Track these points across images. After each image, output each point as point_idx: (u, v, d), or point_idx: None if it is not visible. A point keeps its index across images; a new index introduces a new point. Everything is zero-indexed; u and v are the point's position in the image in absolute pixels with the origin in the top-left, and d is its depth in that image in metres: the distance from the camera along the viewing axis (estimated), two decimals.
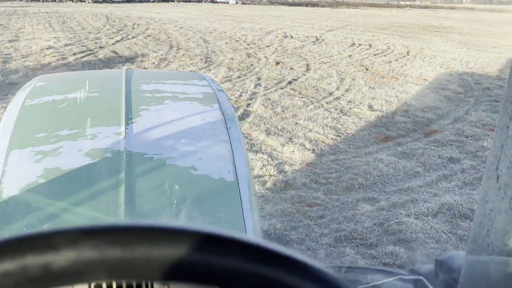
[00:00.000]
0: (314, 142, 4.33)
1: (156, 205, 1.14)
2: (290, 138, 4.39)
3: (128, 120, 1.45)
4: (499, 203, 1.27)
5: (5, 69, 7.16)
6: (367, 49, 10.55)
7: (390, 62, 8.87)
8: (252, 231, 1.09)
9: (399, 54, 9.98)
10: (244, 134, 4.57)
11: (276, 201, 3.19)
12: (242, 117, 5.00)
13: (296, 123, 4.85)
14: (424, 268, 1.58)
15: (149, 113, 1.57)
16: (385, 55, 9.71)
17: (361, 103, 5.72)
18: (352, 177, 3.58)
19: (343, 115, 5.20)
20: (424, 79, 7.28)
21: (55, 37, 10.69)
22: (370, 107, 5.54)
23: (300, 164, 3.81)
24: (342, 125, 4.88)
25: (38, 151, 1.32)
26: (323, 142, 4.35)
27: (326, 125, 4.80)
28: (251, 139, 4.34)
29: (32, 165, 1.26)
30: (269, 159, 3.87)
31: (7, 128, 1.43)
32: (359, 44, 11.33)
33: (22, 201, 1.17)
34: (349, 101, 5.79)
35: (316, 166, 3.78)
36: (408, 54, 9.96)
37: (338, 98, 5.94)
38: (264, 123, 4.81)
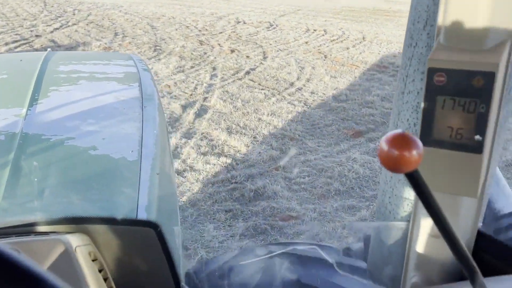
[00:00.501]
0: (281, 140, 3.96)
1: (42, 186, 1.09)
2: (254, 137, 4.00)
3: (33, 102, 1.42)
4: None
5: None
6: (323, 35, 10.28)
7: (347, 48, 8.62)
8: (144, 211, 1.03)
9: (355, 39, 9.77)
10: (203, 133, 4.13)
11: (246, 215, 2.80)
12: (200, 114, 4.55)
13: (259, 119, 4.46)
14: (356, 246, 1.63)
15: (58, 94, 1.53)
16: (342, 41, 9.46)
17: (324, 94, 5.40)
18: (327, 181, 3.25)
19: (308, 108, 4.86)
20: (385, 66, 7.07)
21: None
22: (335, 98, 5.23)
23: (269, 167, 3.43)
24: (308, 119, 4.53)
25: None
26: (291, 140, 3.98)
27: (292, 120, 4.44)
28: (212, 140, 3.91)
29: None
30: (234, 163, 3.46)
31: None
32: (314, 30, 11.05)
33: None
34: (312, 92, 5.45)
35: (286, 170, 3.41)
36: (364, 40, 9.77)
37: (300, 89, 5.59)
38: (225, 120, 4.38)
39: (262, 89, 5.49)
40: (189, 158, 3.52)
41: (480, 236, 0.87)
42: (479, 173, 0.69)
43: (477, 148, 0.67)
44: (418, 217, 0.87)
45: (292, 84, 5.81)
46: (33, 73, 1.62)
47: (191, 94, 5.19)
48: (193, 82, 5.70)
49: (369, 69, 6.81)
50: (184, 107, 4.71)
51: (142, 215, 1.02)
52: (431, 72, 0.68)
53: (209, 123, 4.29)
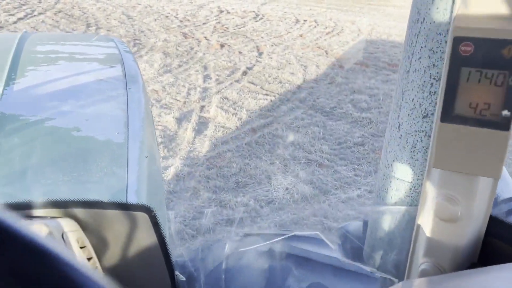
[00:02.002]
0: (307, 167, 3.17)
1: (23, 168, 1.03)
2: (273, 163, 3.20)
3: (10, 81, 1.40)
4: (401, 152, 1.30)
5: None
6: (315, 27, 9.49)
7: (347, 42, 7.87)
8: (135, 194, 1.01)
9: (352, 32, 9.03)
10: (209, 159, 3.31)
11: None
12: (199, 129, 3.71)
13: (273, 135, 3.66)
14: (352, 225, 1.60)
15: (36, 73, 1.49)
16: (338, 34, 8.70)
17: (340, 100, 4.63)
18: None
19: (328, 119, 4.08)
20: (396, 65, 6.35)
21: None
22: (355, 106, 4.47)
23: (303, 212, 2.65)
24: (331, 135, 3.76)
25: None
26: (320, 166, 3.20)
27: (314, 138, 3.66)
28: (221, 167, 3.08)
29: None
30: (257, 206, 2.66)
31: None
32: (304, 21, 10.25)
33: None
34: (326, 98, 4.67)
35: (328, 215, 2.63)
36: (361, 32, 9.03)
37: (310, 93, 4.80)
38: (232, 138, 3.56)
39: (266, 95, 4.67)
40: (198, 198, 2.69)
41: (491, 220, 0.81)
42: (504, 152, 0.64)
43: (504, 125, 0.62)
44: (428, 200, 0.79)
45: (299, 87, 5.01)
46: (8, 53, 1.55)
47: (185, 102, 4.34)
48: (184, 86, 4.84)
49: (381, 68, 6.08)
50: (179, 121, 3.87)
51: (133, 199, 0.98)
52: (457, 41, 0.61)
53: (213, 144, 3.46)
